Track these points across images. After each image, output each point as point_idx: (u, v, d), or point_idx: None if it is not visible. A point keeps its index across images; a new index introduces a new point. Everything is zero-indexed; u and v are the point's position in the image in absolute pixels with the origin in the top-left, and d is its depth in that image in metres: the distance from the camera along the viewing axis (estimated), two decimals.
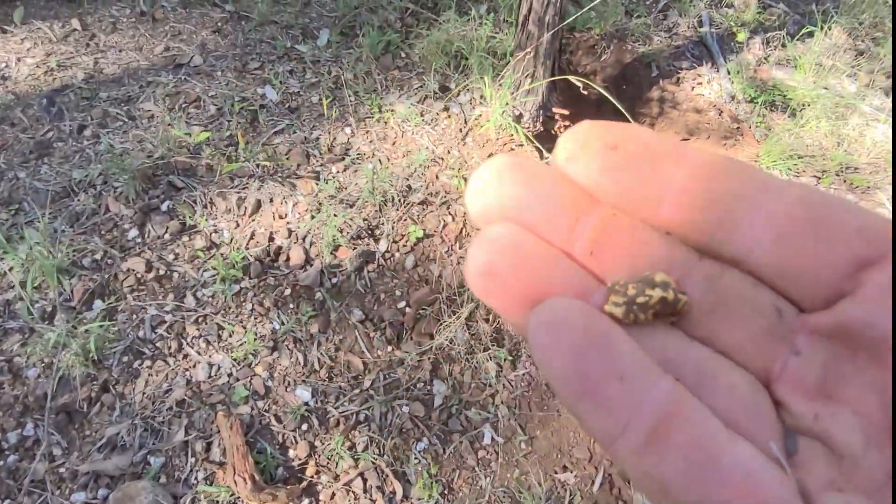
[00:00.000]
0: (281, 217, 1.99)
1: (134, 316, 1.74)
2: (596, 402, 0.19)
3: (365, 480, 1.57)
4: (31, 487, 1.47)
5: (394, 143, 2.28)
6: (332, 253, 1.93)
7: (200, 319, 1.76)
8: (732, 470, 0.18)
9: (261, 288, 1.84)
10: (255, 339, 1.72)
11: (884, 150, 2.68)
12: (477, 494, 1.60)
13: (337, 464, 1.59)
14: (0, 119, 2.11)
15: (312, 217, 1.99)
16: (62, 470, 1.50)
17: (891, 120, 2.76)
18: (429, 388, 1.73)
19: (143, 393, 1.63)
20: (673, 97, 2.80)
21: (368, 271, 1.93)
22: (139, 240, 1.88)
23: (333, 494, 1.54)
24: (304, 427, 1.64)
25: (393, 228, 2.02)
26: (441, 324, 1.82)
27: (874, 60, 2.97)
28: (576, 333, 0.19)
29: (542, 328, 0.20)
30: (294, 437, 1.62)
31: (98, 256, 1.82)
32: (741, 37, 2.98)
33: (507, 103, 2.34)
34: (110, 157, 2.01)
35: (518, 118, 2.42)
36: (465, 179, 2.17)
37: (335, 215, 1.99)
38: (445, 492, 1.59)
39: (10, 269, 1.74)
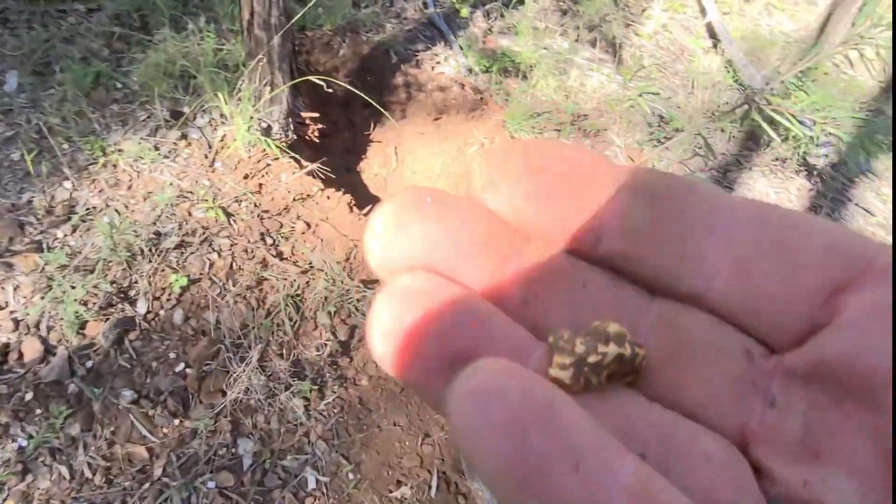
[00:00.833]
0: (0, 308, 1.63)
1: None
2: (545, 498, 0.14)
3: None
4: None
5: (129, 188, 2.00)
6: (78, 333, 1.63)
7: None
8: None
9: None
10: None
11: (603, 95, 3.02)
12: None
13: None
14: None
15: (43, 297, 1.66)
16: None
17: (602, 71, 3.12)
18: (233, 450, 1.56)
19: None
20: (416, 80, 2.86)
21: (130, 341, 1.67)
22: None
23: None
24: None
25: (150, 284, 1.77)
26: (231, 375, 1.65)
27: (577, 17, 3.31)
28: (512, 405, 0.15)
29: (469, 400, 0.15)
30: None
31: None
32: (464, 12, 3.13)
33: (251, 117, 2.18)
34: None
35: (267, 130, 2.27)
36: (223, 210, 1.98)
37: (73, 287, 1.68)
38: None
39: None
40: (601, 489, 0.14)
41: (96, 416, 1.53)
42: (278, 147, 2.20)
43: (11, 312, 1.63)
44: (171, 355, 1.67)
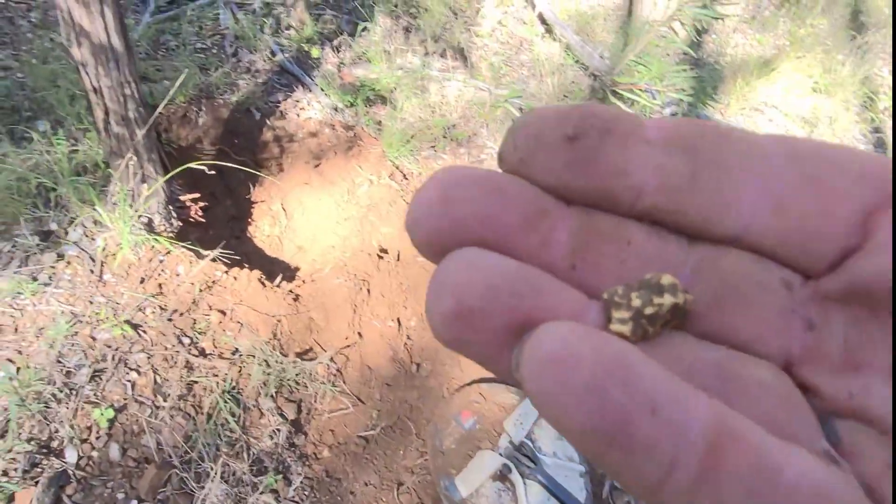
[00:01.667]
0: None
1: None
2: (630, 446, 0.15)
3: None
4: None
5: (16, 331, 1.84)
6: None
7: None
8: (798, 485, 0.16)
9: None
10: None
11: (466, 102, 3.14)
12: None
13: None
14: None
15: None
16: None
17: (457, 78, 3.23)
18: None
19: None
20: (285, 131, 2.83)
21: (69, 496, 1.56)
22: None
23: None
24: None
25: (73, 427, 1.66)
26: (193, 497, 1.59)
27: (420, 32, 3.41)
28: (586, 364, 0.16)
29: (543, 364, 0.16)
30: None
31: None
32: (315, 53, 3.12)
33: (130, 217, 2.07)
34: None
35: (149, 225, 2.17)
36: (129, 323, 1.88)
37: None
38: None
39: None
40: (680, 428, 0.15)
41: None
42: (167, 240, 2.11)
43: None
44: (120, 496, 1.58)
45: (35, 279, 1.96)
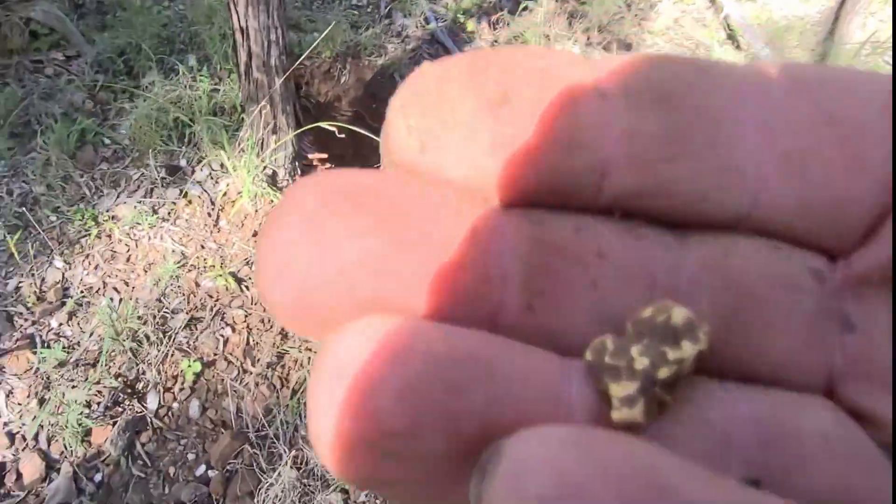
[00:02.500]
0: None
1: None
2: None
3: None
4: None
5: (128, 260, 1.80)
6: (83, 441, 1.44)
7: None
8: None
9: None
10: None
11: None
12: None
13: None
14: None
15: (41, 402, 1.47)
16: None
17: None
18: None
19: None
20: None
21: (143, 444, 1.48)
22: None
23: None
24: None
25: (160, 373, 1.58)
26: (261, 480, 1.45)
27: (585, 20, 3.12)
28: (605, 498, 0.10)
29: None
30: None
31: None
32: (470, 26, 2.94)
33: (255, 167, 1.99)
34: None
35: (272, 178, 2.08)
36: (233, 276, 1.79)
37: (73, 387, 1.49)
38: None
39: None
40: None
41: None
42: None
43: (5, 425, 1.44)
44: (190, 456, 1.48)
45: (155, 212, 1.92)
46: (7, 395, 1.48)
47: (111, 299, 1.68)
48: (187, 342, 1.65)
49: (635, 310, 0.14)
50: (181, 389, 1.58)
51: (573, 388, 0.14)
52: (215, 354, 1.65)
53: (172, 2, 2.66)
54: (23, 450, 1.41)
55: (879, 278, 0.14)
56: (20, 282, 1.69)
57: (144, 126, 2.09)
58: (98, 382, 1.53)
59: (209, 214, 1.95)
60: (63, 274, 1.73)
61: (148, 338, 1.62)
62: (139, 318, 1.64)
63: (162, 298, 1.71)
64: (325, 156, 2.25)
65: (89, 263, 1.77)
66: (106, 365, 1.56)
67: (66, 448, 1.43)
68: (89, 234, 1.83)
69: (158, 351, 1.61)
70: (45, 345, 1.57)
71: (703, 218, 0.15)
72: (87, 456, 1.43)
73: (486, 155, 0.14)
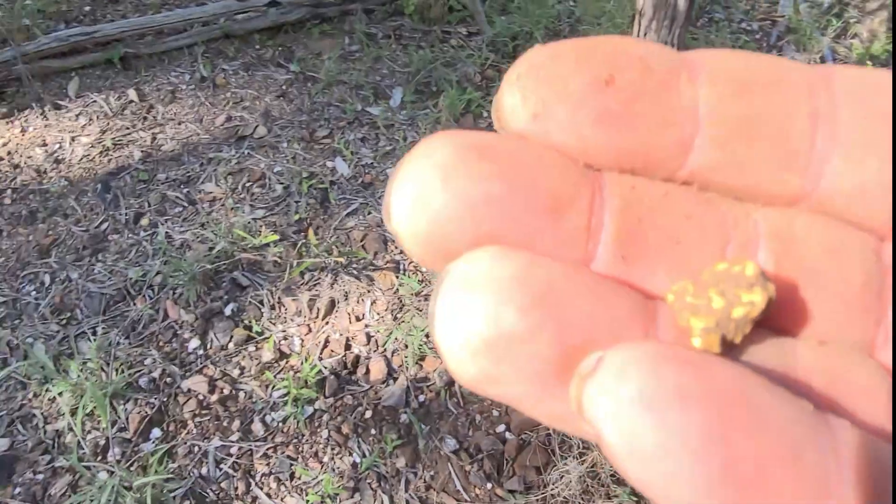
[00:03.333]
0: (358, 319, 1.73)
1: (196, 448, 1.50)
2: None
3: None
4: None
5: None
6: (417, 363, 1.65)
7: (270, 452, 1.51)
8: None
9: (338, 409, 1.58)
10: (332, 480, 1.45)
11: None
12: None
13: None
14: (53, 210, 1.94)
15: (394, 318, 1.72)
16: None
17: None
18: None
19: None
20: None
21: (460, 387, 1.64)
22: (201, 352, 1.65)
23: None
24: None
25: None
26: (554, 460, 1.51)
27: None
28: (700, 406, 0.12)
29: (638, 406, 0.12)
30: None
31: (156, 374, 1.60)
32: None
33: None
34: (168, 252, 1.81)
35: None
36: None
37: (421, 317, 1.71)
38: None
39: (60, 395, 1.54)
40: (830, 476, 0.12)
41: (420, 454, 1.52)
42: None
43: (366, 326, 1.72)
44: (495, 413, 1.60)
45: None
46: (371, 304, 1.76)
47: None
48: None
49: (712, 263, 0.16)
50: None
51: (658, 321, 0.15)
52: None
53: None
54: (374, 352, 1.67)
55: None
56: None
57: None
58: None
59: None
60: None
61: None
62: None
63: None
64: None
65: None
66: None
67: (403, 363, 1.65)
68: None
69: None
70: (406, 273, 1.82)
71: (769, 193, 0.17)
72: (418, 377, 1.63)
73: (591, 126, 0.16)
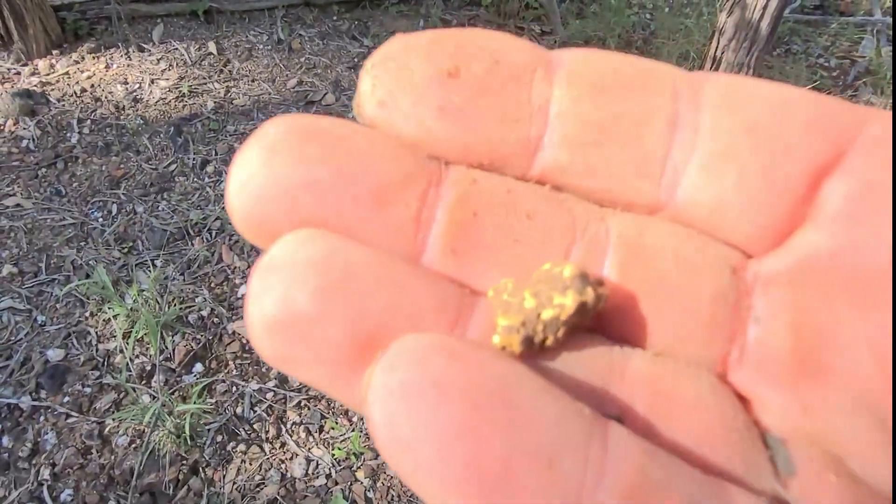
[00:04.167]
0: None
1: (234, 388, 1.56)
2: None
3: None
4: None
5: None
6: None
7: (303, 404, 1.56)
8: None
9: None
10: (359, 438, 1.50)
11: None
12: None
13: None
14: (127, 145, 2.03)
15: None
16: None
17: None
18: None
19: (234, 483, 1.44)
20: None
21: None
22: None
23: None
24: None
25: None
26: None
27: None
28: (456, 399, 0.12)
29: (398, 398, 0.12)
30: None
31: (205, 313, 1.67)
32: None
33: None
34: None
35: None
36: None
37: None
38: None
39: (115, 317, 1.61)
40: (584, 484, 0.12)
41: None
42: None
43: None
44: None
45: None
46: None
47: None
48: None
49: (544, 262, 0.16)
50: None
51: (473, 319, 0.15)
52: None
53: (643, 10, 2.83)
54: None
55: (787, 278, 0.15)
56: None
57: None
58: None
59: None
60: None
61: None
62: None
63: None
64: None
65: None
66: None
67: None
68: None
69: None
70: None
71: (625, 200, 0.16)
72: None
73: (433, 117, 0.15)
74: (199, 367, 1.59)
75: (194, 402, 1.48)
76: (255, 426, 1.52)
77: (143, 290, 1.65)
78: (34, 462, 1.42)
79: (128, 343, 1.57)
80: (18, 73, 2.17)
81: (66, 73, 2.18)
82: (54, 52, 2.24)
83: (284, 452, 1.49)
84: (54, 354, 1.56)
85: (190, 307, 1.68)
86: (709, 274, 0.16)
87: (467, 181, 0.16)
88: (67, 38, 2.28)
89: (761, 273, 0.16)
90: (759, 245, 0.16)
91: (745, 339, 0.16)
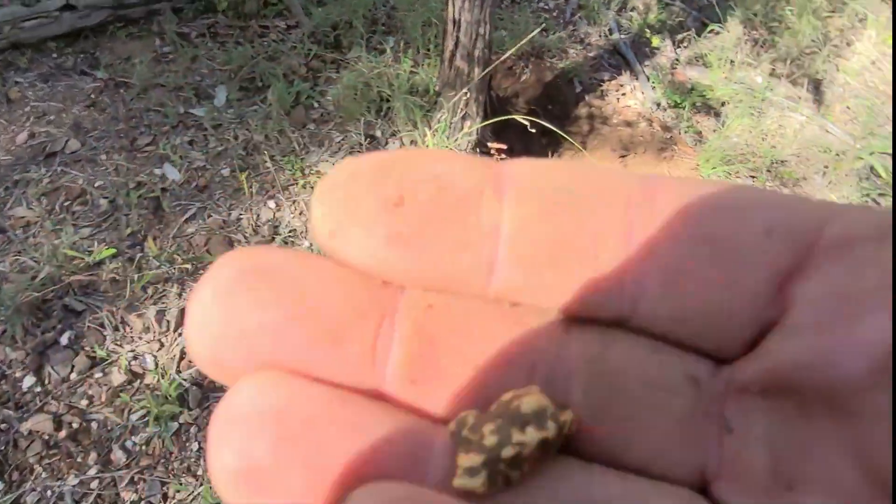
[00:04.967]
0: None
1: (48, 493, 1.39)
2: None
3: None
4: None
5: None
6: None
7: (136, 478, 1.43)
8: None
9: (206, 419, 1.53)
10: (210, 492, 1.42)
11: (804, 139, 2.73)
12: None
13: None
14: None
15: None
16: None
17: (801, 111, 2.83)
18: None
19: None
20: (601, 112, 2.72)
21: None
22: (38, 389, 1.52)
23: None
24: None
25: None
26: None
27: (771, 50, 3.03)
28: None
29: None
30: None
31: None
32: (655, 42, 2.95)
33: (444, 147, 2.15)
34: None
35: None
36: None
37: None
38: None
39: None
40: None
41: None
42: None
43: None
44: None
45: None
46: None
47: (311, 245, 1.89)
48: None
49: (508, 389, 0.16)
50: None
51: (433, 455, 0.15)
52: None
53: None
54: None
55: (759, 387, 0.15)
56: (241, 214, 1.95)
57: (349, 95, 2.31)
58: None
59: None
60: (274, 214, 1.97)
61: None
62: None
63: None
64: (504, 146, 2.38)
65: (295, 209, 2.00)
66: None
67: None
68: (297, 183, 2.06)
69: None
70: None
71: (586, 315, 0.16)
72: None
73: (382, 247, 0.16)
74: None
75: None
76: None
77: None
78: None
79: None
80: None
81: None
82: None
83: None
84: None
85: None
86: (677, 389, 0.16)
87: (422, 306, 0.16)
88: None
89: (733, 381, 0.16)
90: (728, 352, 0.16)
91: (720, 451, 0.16)
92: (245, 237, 1.89)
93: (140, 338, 1.63)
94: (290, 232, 1.92)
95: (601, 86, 2.79)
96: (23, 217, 1.82)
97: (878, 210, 0.15)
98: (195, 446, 1.49)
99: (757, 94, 2.79)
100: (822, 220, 0.15)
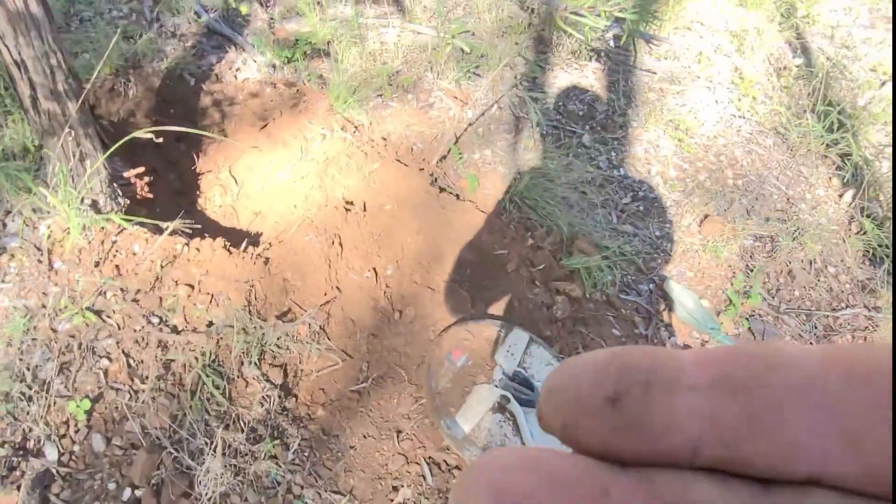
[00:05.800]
0: None
1: None
2: None
3: None
4: None
5: None
6: None
7: None
8: None
9: None
10: None
11: (405, 46, 3.03)
12: None
13: None
14: None
15: None
16: None
17: (393, 24, 3.12)
18: None
19: None
20: (225, 95, 2.68)
21: (56, 495, 1.48)
22: None
23: None
24: None
25: (48, 425, 1.56)
26: (192, 474, 1.52)
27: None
28: None
29: None
30: None
31: None
32: (244, 10, 2.94)
33: (74, 199, 1.93)
34: None
35: (94, 206, 2.03)
36: (90, 310, 1.77)
37: None
38: None
39: None
40: None
41: None
42: (119, 218, 1.98)
43: None
44: (111, 486, 1.51)
45: None
46: None
47: None
48: (65, 386, 1.63)
49: None
50: (76, 431, 1.58)
51: None
52: (100, 387, 1.65)
53: None
54: None
55: None
56: None
57: None
58: None
59: (39, 261, 1.88)
60: None
61: (24, 395, 1.58)
62: (10, 378, 1.59)
63: (22, 356, 1.66)
64: (141, 169, 2.21)
65: None
66: None
67: None
68: None
69: (39, 405, 1.58)
70: None
71: (780, 478, 0.18)
72: None
73: (609, 434, 0.19)
74: None
75: None
76: None
77: None
78: None
79: None
80: None
81: None
82: None
83: None
84: None
85: None
86: None
87: (647, 481, 0.18)
88: None
89: None
90: None
91: None
92: None
93: None
94: None
95: (213, 70, 2.73)
96: None
97: None
98: None
99: (352, 23, 2.99)
100: None
